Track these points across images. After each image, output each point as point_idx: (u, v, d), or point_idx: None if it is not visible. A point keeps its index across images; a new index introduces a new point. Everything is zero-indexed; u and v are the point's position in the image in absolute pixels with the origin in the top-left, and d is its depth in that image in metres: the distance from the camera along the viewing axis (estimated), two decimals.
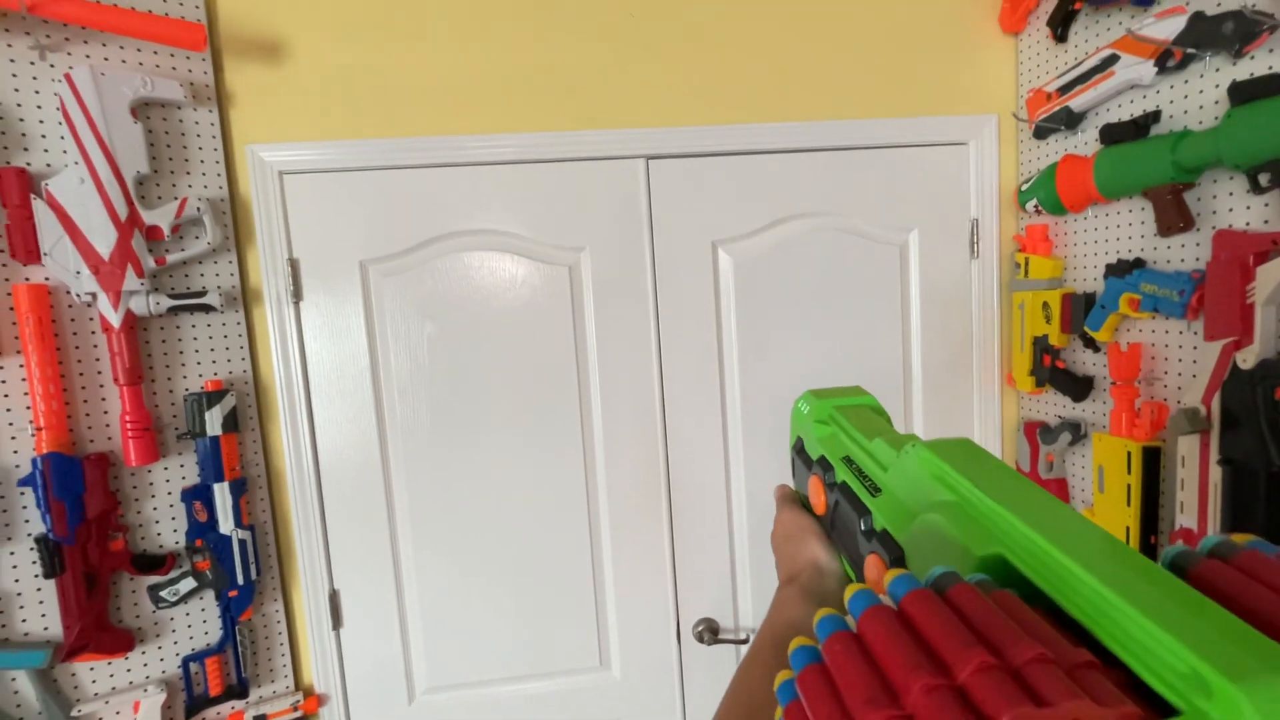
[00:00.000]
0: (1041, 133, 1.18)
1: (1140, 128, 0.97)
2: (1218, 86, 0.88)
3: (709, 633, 1.27)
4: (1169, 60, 0.92)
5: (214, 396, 1.07)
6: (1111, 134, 1.00)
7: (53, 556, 0.97)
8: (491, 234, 1.18)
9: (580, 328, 1.22)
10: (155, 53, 1.04)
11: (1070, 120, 1.11)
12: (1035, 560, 0.24)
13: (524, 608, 1.25)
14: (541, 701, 1.28)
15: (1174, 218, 0.92)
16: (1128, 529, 1.00)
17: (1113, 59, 1.00)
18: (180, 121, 1.07)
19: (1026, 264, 1.20)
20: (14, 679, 1.00)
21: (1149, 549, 0.98)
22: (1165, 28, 0.91)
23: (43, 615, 1.01)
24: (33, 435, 0.98)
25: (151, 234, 1.03)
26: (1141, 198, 1.00)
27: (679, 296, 1.23)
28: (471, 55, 1.16)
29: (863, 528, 0.38)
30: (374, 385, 1.19)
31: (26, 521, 0.99)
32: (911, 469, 0.35)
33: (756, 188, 1.22)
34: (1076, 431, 1.15)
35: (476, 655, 1.25)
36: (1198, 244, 0.92)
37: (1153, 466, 0.97)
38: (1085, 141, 1.11)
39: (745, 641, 1.29)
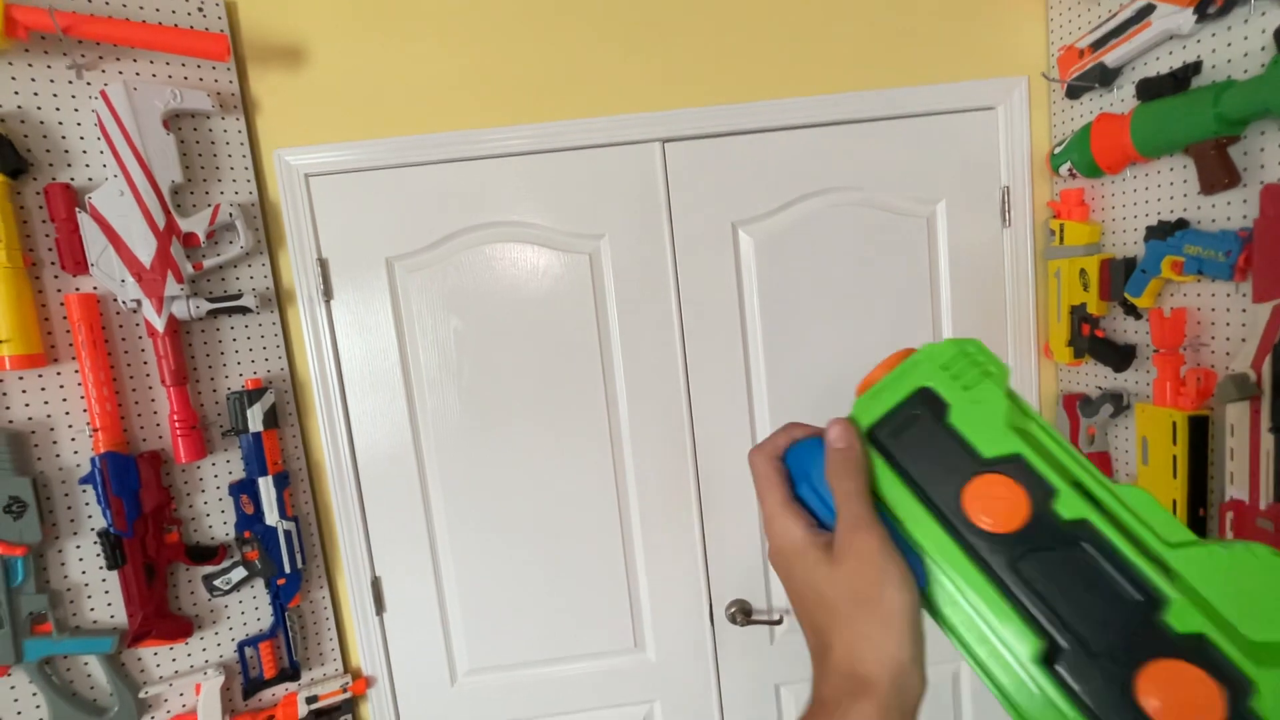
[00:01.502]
0: (1074, 92, 1.13)
1: (1180, 81, 0.92)
2: (1264, 32, 0.82)
3: (741, 614, 1.28)
4: (1209, 7, 0.86)
5: (254, 394, 1.11)
6: (1149, 89, 0.95)
7: (114, 549, 1.03)
8: (511, 225, 1.20)
9: (603, 314, 1.22)
10: (183, 65, 1.08)
11: (1105, 77, 1.05)
12: None
13: (558, 591, 1.28)
14: (578, 682, 1.30)
15: (1218, 174, 0.87)
16: (1174, 502, 0.96)
17: (1148, 9, 0.94)
18: (210, 131, 1.11)
19: (1061, 230, 1.16)
20: (86, 663, 1.08)
21: (1197, 522, 0.94)
22: None
23: (108, 604, 1.07)
24: (90, 436, 1.04)
25: (188, 241, 1.07)
26: (1183, 155, 0.94)
27: (700, 279, 1.22)
28: (484, 48, 1.16)
29: (1155, 622, 0.28)
30: (404, 379, 1.22)
31: (89, 517, 1.06)
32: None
33: (775, 165, 1.20)
34: (1118, 403, 1.11)
35: (514, 638, 1.29)
36: (1244, 201, 0.87)
37: (1200, 436, 0.93)
38: (1121, 99, 1.05)
39: (778, 623, 1.29)
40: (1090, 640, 0.29)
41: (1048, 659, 0.29)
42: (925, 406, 0.35)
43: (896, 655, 0.31)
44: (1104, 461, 1.17)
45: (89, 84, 1.02)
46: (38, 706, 1.04)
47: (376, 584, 1.26)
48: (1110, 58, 1.03)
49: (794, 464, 0.38)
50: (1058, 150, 1.15)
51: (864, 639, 0.32)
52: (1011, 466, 0.33)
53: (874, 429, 0.36)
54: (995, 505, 0.32)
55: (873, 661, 0.31)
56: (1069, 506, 0.31)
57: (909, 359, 0.37)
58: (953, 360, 0.36)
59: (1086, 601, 0.29)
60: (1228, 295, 0.91)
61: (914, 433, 0.35)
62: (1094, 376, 1.19)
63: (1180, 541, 0.29)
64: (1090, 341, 1.13)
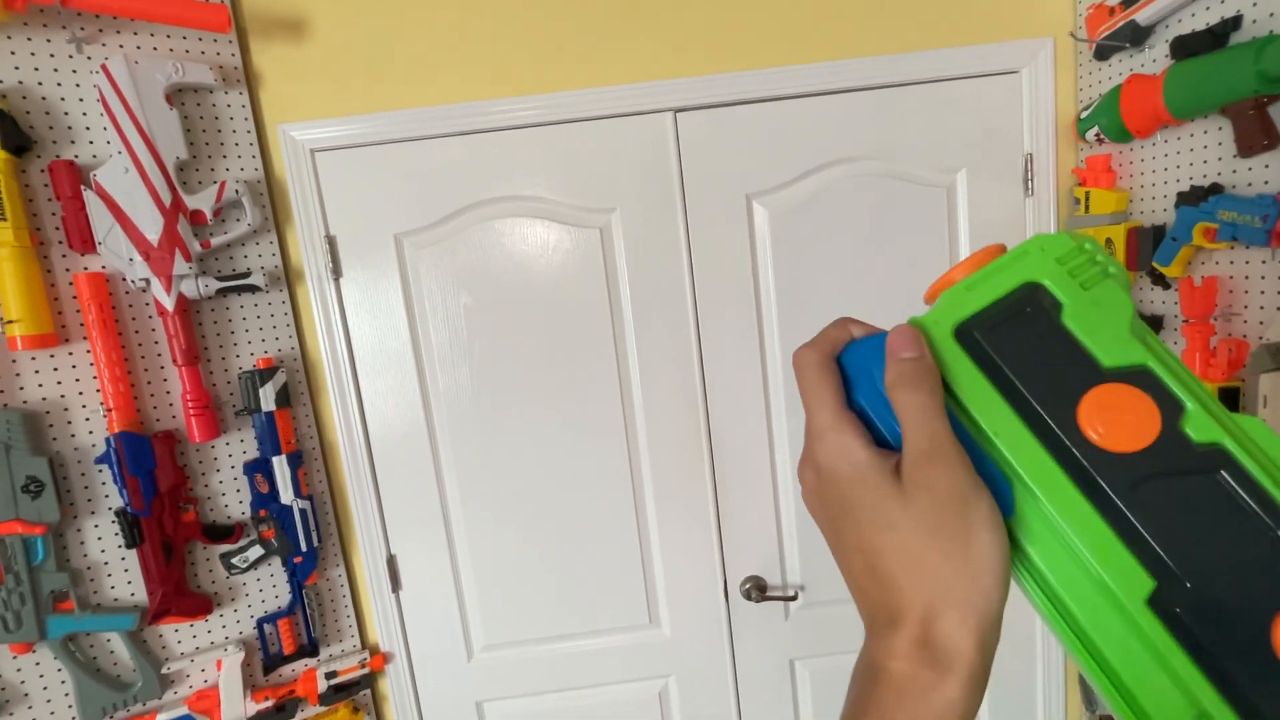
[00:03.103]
0: (1103, 53, 1.08)
1: (1218, 37, 0.88)
2: None
3: (756, 590, 1.28)
4: None
5: (266, 374, 1.11)
6: (1184, 46, 0.91)
7: (132, 528, 1.03)
8: (521, 200, 1.17)
9: (614, 290, 1.20)
10: (184, 38, 1.05)
11: (1136, 36, 1.01)
12: None
13: (573, 567, 1.28)
14: (595, 658, 1.31)
15: (1257, 135, 0.84)
16: None
17: None
18: (214, 105, 1.09)
19: (1087, 199, 1.12)
20: (109, 640, 1.09)
21: None
22: None
23: (129, 583, 1.08)
24: (104, 416, 1.04)
25: (195, 218, 1.06)
26: (1219, 116, 0.91)
27: (713, 253, 1.20)
28: (491, 17, 1.13)
29: None
30: (416, 357, 1.21)
31: (106, 497, 1.06)
32: None
33: (790, 135, 1.17)
34: None
35: (530, 614, 1.29)
36: None
37: (1230, 408, 0.91)
38: (1154, 59, 1.01)
39: (793, 599, 1.28)
40: (1219, 580, 0.25)
41: (1161, 601, 0.25)
42: (1035, 304, 0.30)
43: (986, 614, 0.25)
44: None
45: (89, 58, 1.00)
46: (63, 682, 1.06)
47: (392, 561, 1.26)
48: (1142, 15, 0.98)
49: (851, 366, 0.32)
50: (1084, 114, 1.11)
51: (947, 597, 0.26)
52: (1138, 378, 0.28)
53: (964, 325, 0.31)
54: (1121, 419, 0.27)
55: (958, 626, 0.25)
56: (1201, 428, 0.26)
57: (1015, 250, 0.31)
58: (1070, 255, 0.30)
59: (1217, 536, 0.25)
60: (1263, 262, 0.88)
61: (1020, 332, 0.30)
62: None
63: None
64: None
